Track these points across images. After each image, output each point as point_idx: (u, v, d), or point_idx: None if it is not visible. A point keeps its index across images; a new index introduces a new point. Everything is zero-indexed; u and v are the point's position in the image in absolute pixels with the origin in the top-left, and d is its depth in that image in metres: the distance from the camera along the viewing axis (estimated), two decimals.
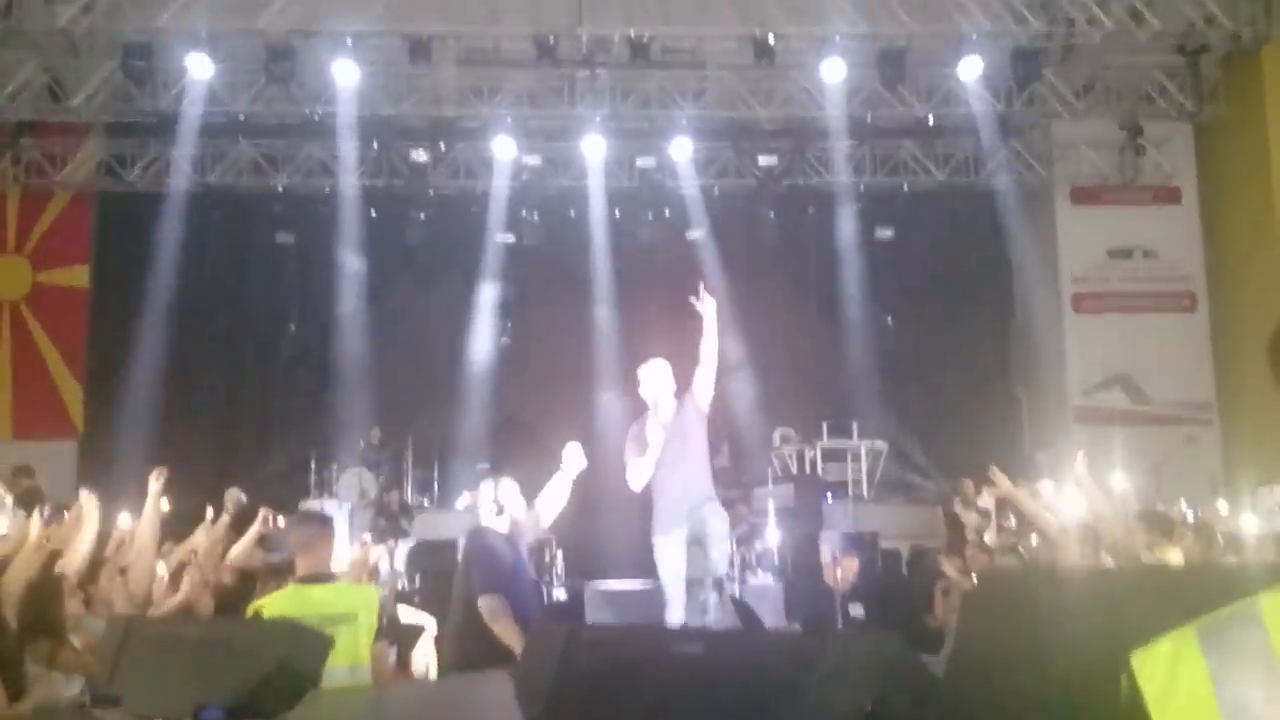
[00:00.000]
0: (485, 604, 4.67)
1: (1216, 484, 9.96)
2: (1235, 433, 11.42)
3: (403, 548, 9.94)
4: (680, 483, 5.81)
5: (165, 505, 5.57)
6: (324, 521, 4.63)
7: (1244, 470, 10.23)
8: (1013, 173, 12.02)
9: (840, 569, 7.16)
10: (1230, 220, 11.71)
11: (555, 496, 5.53)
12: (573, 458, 5.43)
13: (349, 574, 6.19)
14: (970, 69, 10.61)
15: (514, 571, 5.06)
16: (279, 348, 13.03)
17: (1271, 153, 11.10)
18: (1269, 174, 11.04)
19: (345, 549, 7.00)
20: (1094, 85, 11.68)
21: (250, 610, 4.07)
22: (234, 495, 6.45)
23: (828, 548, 7.45)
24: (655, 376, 5.94)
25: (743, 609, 7.44)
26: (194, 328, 12.17)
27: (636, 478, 5.82)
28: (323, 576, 4.22)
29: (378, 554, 7.61)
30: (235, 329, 13.01)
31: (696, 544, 5.82)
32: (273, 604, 4.01)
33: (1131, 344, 11.79)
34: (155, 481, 5.44)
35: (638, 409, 6.06)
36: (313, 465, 11.73)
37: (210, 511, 6.33)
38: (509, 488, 5.32)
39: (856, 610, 7.07)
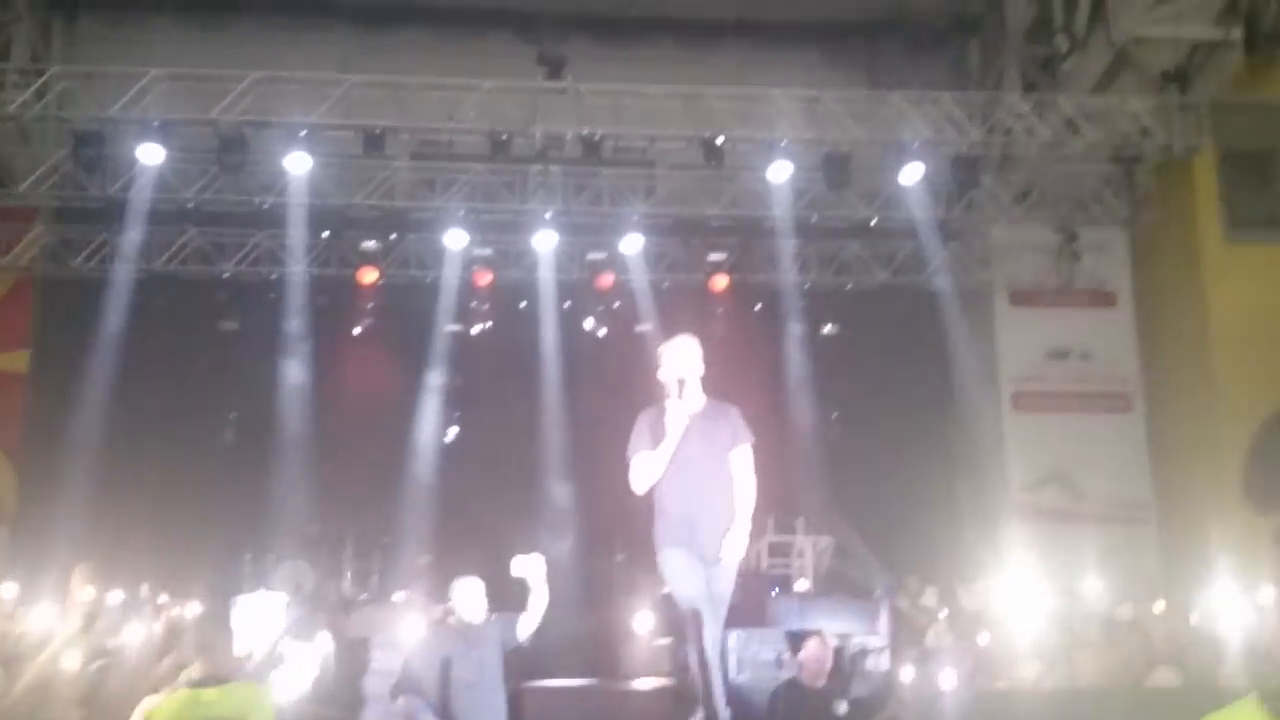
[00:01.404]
0: (399, 705, 4.78)
1: (1154, 583, 10.09)
2: (1172, 532, 11.59)
3: (336, 643, 9.72)
4: (699, 497, 4.82)
5: (89, 594, 5.44)
6: (221, 620, 4.58)
7: (1181, 570, 10.38)
8: (953, 274, 12.29)
9: (816, 666, 6.86)
10: (1164, 324, 12.03)
11: (533, 611, 5.70)
12: (533, 571, 5.66)
13: (252, 671, 6.02)
14: (911, 174, 10.90)
15: (443, 674, 5.07)
16: (219, 435, 12.85)
17: (1203, 259, 11.47)
18: (1201, 279, 11.40)
19: (272, 643, 6.85)
20: (1031, 192, 12.03)
21: (142, 714, 3.97)
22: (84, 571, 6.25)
23: (815, 643, 7.07)
24: (680, 354, 4.98)
25: None
26: (133, 414, 11.97)
27: (643, 474, 4.84)
28: (218, 678, 4.13)
29: (299, 649, 7.43)
30: (175, 416, 12.80)
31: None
32: (164, 708, 3.92)
33: (1069, 443, 11.99)
34: (79, 578, 5.32)
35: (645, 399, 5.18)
36: (248, 556, 11.50)
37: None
38: (469, 587, 5.48)
39: (841, 709, 6.77)
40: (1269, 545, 9.84)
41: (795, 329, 12.59)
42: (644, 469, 4.85)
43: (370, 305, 12.24)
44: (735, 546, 4.84)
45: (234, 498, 12.34)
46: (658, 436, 4.84)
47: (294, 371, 12.15)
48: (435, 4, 11.74)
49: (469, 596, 5.83)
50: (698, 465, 4.86)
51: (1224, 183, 11.64)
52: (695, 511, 4.82)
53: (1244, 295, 11.18)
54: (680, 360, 4.95)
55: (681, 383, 4.85)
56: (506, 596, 6.11)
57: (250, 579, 11.34)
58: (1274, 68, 9.97)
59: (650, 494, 4.92)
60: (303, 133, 10.35)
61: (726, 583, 4.92)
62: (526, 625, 5.78)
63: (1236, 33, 9.95)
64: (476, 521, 11.58)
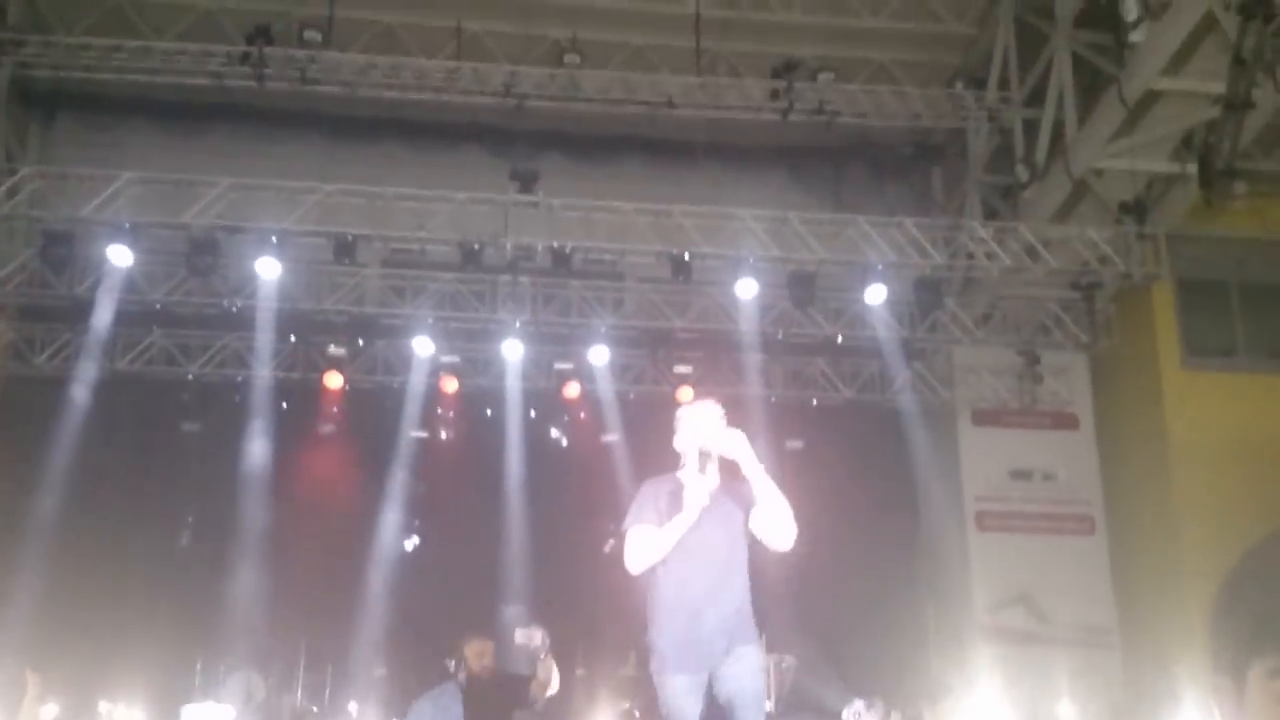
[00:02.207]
0: None
1: (1119, 710, 10.00)
2: (1138, 658, 11.54)
3: None
4: (709, 589, 4.21)
5: (52, 712, 5.26)
6: None
7: (1146, 698, 10.30)
8: (917, 393, 12.41)
9: None
10: (1125, 447, 12.15)
11: (544, 675, 5.91)
12: (536, 641, 5.73)
13: None
14: (875, 295, 11.07)
15: None
16: (175, 538, 12.63)
17: (1163, 384, 11.67)
18: (1160, 404, 11.57)
19: None
20: (993, 315, 12.24)
21: None
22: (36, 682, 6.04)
23: None
24: (703, 419, 4.38)
25: None
26: (89, 514, 11.75)
27: (643, 552, 4.24)
28: None
29: None
30: (131, 517, 12.57)
31: (719, 705, 4.26)
32: None
33: (1033, 565, 11.98)
34: (32, 686, 5.17)
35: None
36: (199, 665, 11.19)
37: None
38: (480, 649, 5.67)
39: None
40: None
41: (760, 443, 12.58)
42: (646, 546, 4.25)
43: (334, 410, 12.19)
44: (777, 529, 4.24)
45: (187, 603, 12.06)
46: (669, 511, 4.25)
47: (254, 475, 12.01)
48: (411, 118, 11.95)
49: (480, 657, 5.83)
50: (711, 551, 4.28)
51: (1181, 311, 11.91)
52: (702, 603, 4.23)
53: (1202, 421, 11.35)
54: (701, 428, 4.36)
55: (706, 455, 4.27)
56: None
57: (200, 689, 11.04)
58: (1226, 203, 10.27)
59: (645, 577, 4.36)
60: (274, 238, 10.42)
61: (744, 687, 4.26)
62: (539, 688, 5.83)
63: (1191, 167, 10.26)
64: (433, 632, 11.36)
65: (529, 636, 5.88)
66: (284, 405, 12.18)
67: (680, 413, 4.52)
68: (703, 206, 11.17)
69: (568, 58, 11.48)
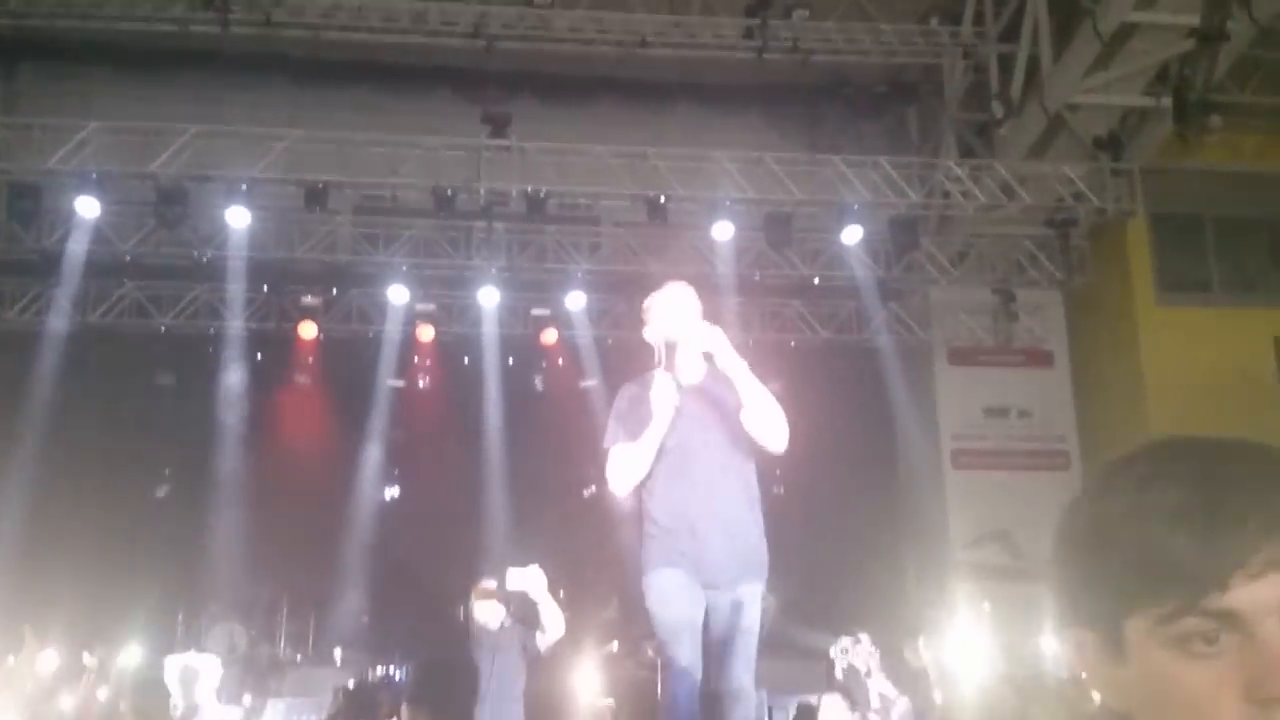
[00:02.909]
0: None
1: None
2: None
3: (272, 707, 9.51)
4: (705, 501, 3.66)
5: (51, 660, 5.24)
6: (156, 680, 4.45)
7: None
8: (893, 333, 12.44)
9: None
10: (1100, 383, 12.24)
11: (549, 622, 5.76)
12: (533, 583, 5.57)
13: None
14: (851, 235, 11.05)
15: None
16: (153, 490, 12.60)
17: (1138, 320, 11.73)
18: (1135, 340, 11.64)
19: (213, 707, 6.69)
20: (969, 253, 12.24)
21: None
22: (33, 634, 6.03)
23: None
24: (674, 306, 3.83)
25: None
26: (65, 468, 11.69)
27: (623, 472, 3.74)
28: None
29: (225, 712, 7.24)
30: (108, 470, 12.53)
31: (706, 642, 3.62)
32: None
33: (1009, 501, 12.10)
34: (30, 639, 5.13)
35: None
36: (180, 616, 11.22)
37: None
38: (486, 594, 5.45)
39: None
40: None
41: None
42: (624, 465, 3.72)
43: (310, 360, 12.13)
44: (767, 429, 3.65)
45: (167, 555, 12.06)
46: (643, 419, 3.68)
47: (230, 427, 11.96)
48: (380, 61, 11.76)
49: (486, 604, 5.74)
50: (701, 457, 3.71)
51: (1155, 245, 11.95)
52: (698, 519, 3.64)
53: (1176, 355, 11.44)
54: (672, 315, 3.80)
55: (671, 346, 3.72)
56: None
57: (182, 640, 11.07)
58: (1201, 136, 10.26)
59: (636, 498, 3.83)
60: (243, 187, 10.28)
61: (736, 623, 3.61)
62: (546, 636, 5.71)
63: (1165, 101, 10.23)
64: (416, 579, 11.42)
65: (525, 579, 5.67)
66: (259, 356, 12.12)
67: (648, 302, 3.95)
68: (678, 149, 11.08)
69: None
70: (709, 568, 3.66)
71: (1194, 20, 9.27)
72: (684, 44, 11.54)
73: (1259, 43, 10.29)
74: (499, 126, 11.10)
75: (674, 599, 3.65)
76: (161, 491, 12.60)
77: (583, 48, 11.48)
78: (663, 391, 3.69)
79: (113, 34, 11.05)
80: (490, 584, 5.99)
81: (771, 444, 3.78)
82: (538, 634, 5.86)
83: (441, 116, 11.71)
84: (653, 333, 3.90)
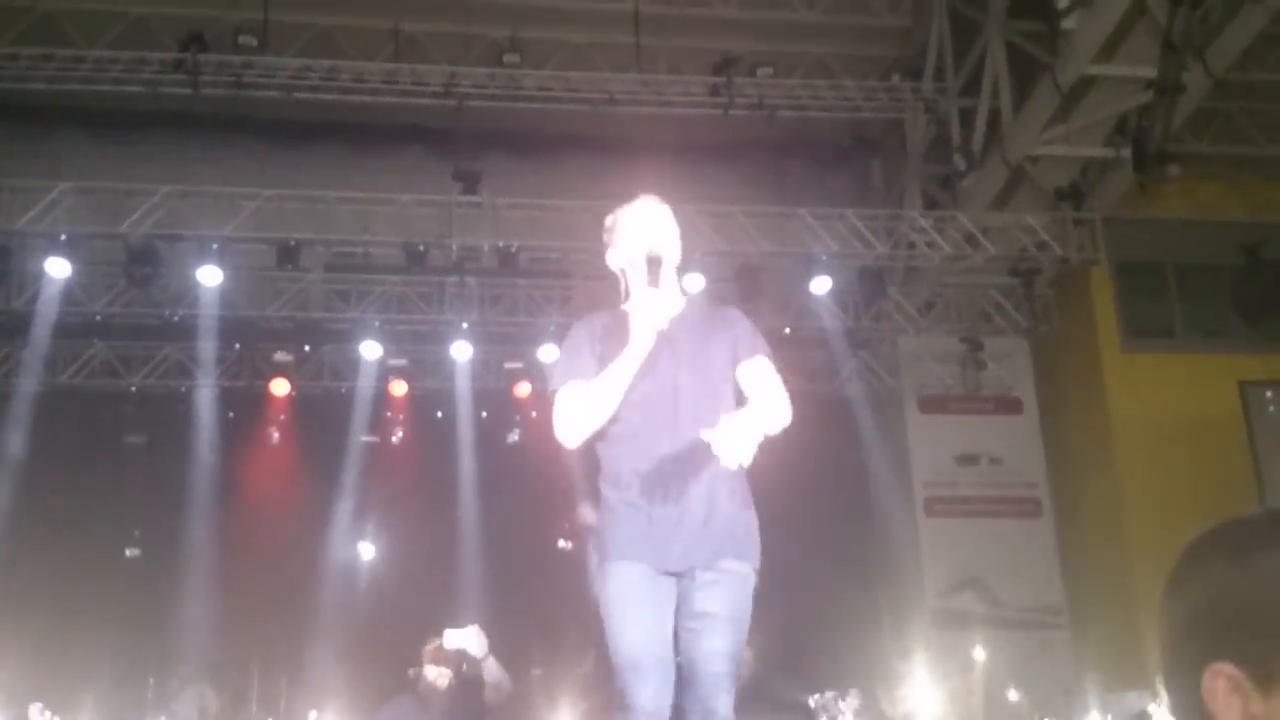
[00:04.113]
0: None
1: (1071, 690, 10.17)
2: (1085, 637, 11.74)
3: None
4: (680, 456, 2.94)
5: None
6: None
7: (1094, 676, 10.49)
8: (864, 381, 12.54)
9: None
10: (1068, 430, 12.36)
11: (492, 680, 5.59)
12: (472, 642, 5.44)
13: None
14: (820, 286, 11.17)
15: None
16: (122, 552, 12.46)
17: (1104, 366, 11.88)
18: (1102, 386, 11.78)
19: None
20: (935, 303, 12.40)
21: None
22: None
23: None
24: (649, 220, 3.24)
25: None
26: (33, 529, 11.55)
27: (576, 415, 3.02)
28: None
29: None
30: (77, 532, 12.37)
31: (687, 630, 2.96)
32: None
33: (982, 548, 12.15)
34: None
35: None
36: (151, 679, 11.05)
37: None
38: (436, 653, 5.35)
39: None
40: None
41: None
42: (583, 406, 3.00)
43: (282, 417, 12.08)
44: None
45: (137, 617, 11.90)
46: (611, 352, 3.00)
47: (201, 486, 11.87)
48: (351, 120, 11.86)
49: (433, 665, 5.71)
50: (677, 407, 3.01)
51: (1119, 294, 12.14)
52: (670, 477, 2.94)
53: (1143, 401, 11.58)
54: (650, 229, 3.19)
55: (656, 261, 3.08)
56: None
57: (153, 702, 10.89)
58: (1161, 185, 10.49)
59: (588, 454, 3.14)
60: (215, 246, 10.30)
61: (710, 611, 2.94)
62: (492, 694, 5.66)
63: (1125, 152, 10.46)
64: (389, 638, 11.30)
65: (463, 639, 5.64)
66: (230, 414, 12.06)
67: (611, 219, 3.34)
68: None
69: (507, 57, 11.44)
70: (681, 547, 2.96)
71: (1151, 73, 9.50)
72: (651, 101, 11.71)
73: (1215, 95, 10.56)
74: (470, 183, 11.19)
75: (636, 617, 2.93)
76: (131, 552, 12.46)
77: (552, 105, 11.63)
78: (649, 310, 2.94)
79: (83, 96, 11.10)
80: (437, 643, 6.02)
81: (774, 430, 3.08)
82: (485, 692, 5.86)
83: (412, 173, 11.80)
84: (622, 253, 3.23)
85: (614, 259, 3.32)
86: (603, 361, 3.06)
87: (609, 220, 3.36)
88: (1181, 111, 9.98)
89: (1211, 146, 11.94)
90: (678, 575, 3.02)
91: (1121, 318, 12.19)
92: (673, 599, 3.01)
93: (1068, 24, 9.82)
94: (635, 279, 3.18)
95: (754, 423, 2.89)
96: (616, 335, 3.07)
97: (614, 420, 3.05)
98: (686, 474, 2.99)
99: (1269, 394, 11.45)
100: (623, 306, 3.21)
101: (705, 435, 2.78)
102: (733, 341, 3.21)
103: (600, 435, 3.11)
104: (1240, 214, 12.08)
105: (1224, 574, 1.07)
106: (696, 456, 2.94)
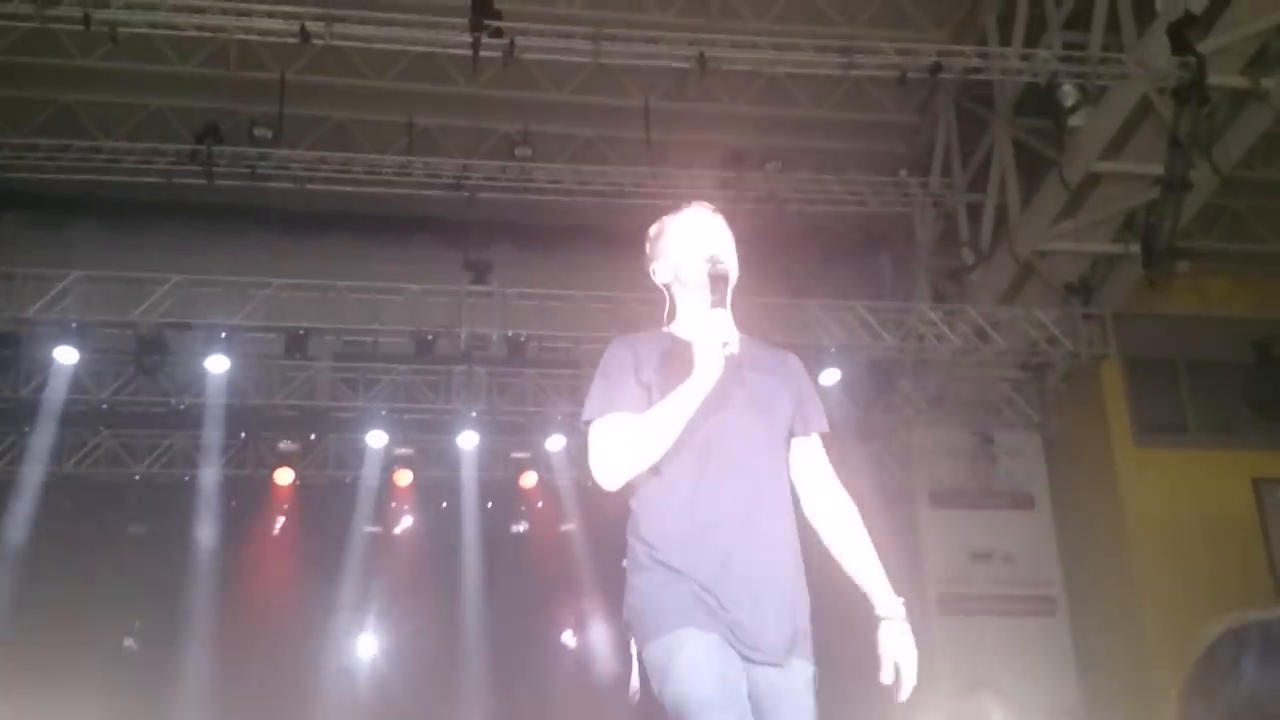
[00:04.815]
0: None
1: None
2: None
3: None
4: (747, 519, 2.52)
5: None
6: None
7: None
8: (875, 475, 12.40)
9: None
10: (1082, 526, 12.18)
11: None
12: None
13: None
14: (829, 378, 11.13)
15: None
16: (120, 643, 12.27)
17: (1116, 462, 11.75)
18: (1115, 483, 11.63)
19: None
20: (945, 396, 12.33)
21: None
22: None
23: None
24: (704, 232, 2.82)
25: None
26: (33, 620, 11.40)
27: (621, 453, 2.52)
28: None
29: None
30: (76, 622, 12.20)
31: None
32: None
33: (997, 647, 11.90)
34: None
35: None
36: None
37: None
38: None
39: None
40: None
41: None
42: (630, 442, 2.50)
43: (285, 507, 11.99)
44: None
45: (134, 709, 11.68)
46: (664, 381, 2.54)
47: (203, 577, 11.73)
48: (363, 211, 11.96)
49: None
50: (739, 458, 2.57)
51: (1130, 389, 12.05)
52: (732, 551, 2.47)
53: (1156, 498, 11.43)
54: (711, 239, 2.78)
55: (722, 277, 2.64)
56: None
57: None
58: (1170, 281, 10.49)
59: (634, 498, 2.60)
60: (223, 334, 10.32)
61: (804, 686, 2.56)
62: None
63: (1134, 247, 10.48)
64: None
65: None
66: (233, 503, 11.96)
67: (657, 227, 2.89)
68: (656, 293, 11.19)
69: (519, 150, 11.58)
70: (750, 630, 2.43)
71: (1158, 170, 9.58)
72: (661, 194, 11.80)
73: (1222, 192, 10.62)
74: (480, 273, 11.25)
75: (717, 676, 2.35)
76: (129, 642, 12.27)
77: (563, 198, 11.73)
78: (719, 332, 2.46)
79: (98, 185, 11.23)
80: None
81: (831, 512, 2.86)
82: None
83: (423, 263, 11.86)
84: (673, 266, 2.78)
85: (662, 273, 2.86)
86: (651, 391, 2.57)
87: (654, 229, 2.91)
88: (1189, 208, 10.03)
89: (1219, 243, 11.98)
90: (748, 661, 2.46)
91: (1134, 413, 12.08)
92: (742, 677, 2.44)
93: (1074, 121, 9.92)
94: (688, 298, 2.78)
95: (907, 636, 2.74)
96: (670, 361, 2.58)
97: (667, 462, 2.52)
98: (747, 545, 2.50)
99: None
100: (667, 329, 2.79)
101: (885, 678, 2.58)
102: (796, 398, 2.77)
103: (646, 480, 2.56)
104: (1248, 310, 12.05)
105: (1258, 676, 1.02)
106: (758, 525, 2.54)
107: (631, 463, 2.53)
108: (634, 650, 2.51)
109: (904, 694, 2.66)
